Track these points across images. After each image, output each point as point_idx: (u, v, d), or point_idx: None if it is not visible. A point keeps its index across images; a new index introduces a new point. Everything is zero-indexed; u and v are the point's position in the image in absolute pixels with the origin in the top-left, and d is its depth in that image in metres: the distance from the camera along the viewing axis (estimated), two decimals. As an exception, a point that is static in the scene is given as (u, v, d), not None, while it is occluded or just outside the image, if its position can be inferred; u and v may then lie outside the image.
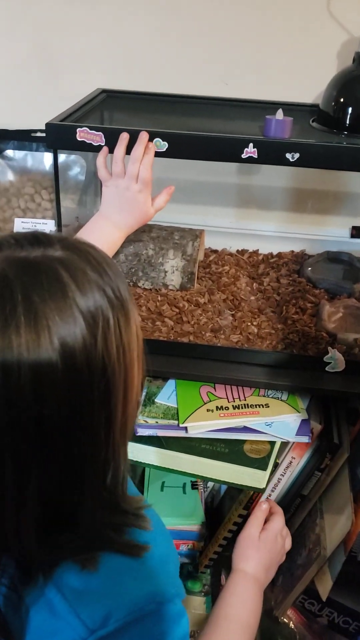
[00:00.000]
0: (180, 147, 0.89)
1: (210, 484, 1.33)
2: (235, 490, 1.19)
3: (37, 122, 1.20)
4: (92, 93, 1.14)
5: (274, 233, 1.28)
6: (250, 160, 0.88)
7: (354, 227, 1.27)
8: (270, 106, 1.11)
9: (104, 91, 1.16)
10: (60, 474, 0.51)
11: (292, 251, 1.28)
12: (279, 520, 0.93)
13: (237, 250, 1.29)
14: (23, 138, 1.27)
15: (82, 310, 0.49)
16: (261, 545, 0.89)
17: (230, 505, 1.22)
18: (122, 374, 0.52)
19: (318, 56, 1.13)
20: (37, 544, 0.53)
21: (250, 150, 0.88)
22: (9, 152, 1.27)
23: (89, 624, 0.53)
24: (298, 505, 1.16)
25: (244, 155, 0.88)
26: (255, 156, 0.88)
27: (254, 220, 1.28)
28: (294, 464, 1.12)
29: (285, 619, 1.19)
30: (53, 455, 0.50)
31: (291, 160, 0.88)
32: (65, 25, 1.17)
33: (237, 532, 1.17)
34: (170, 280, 1.13)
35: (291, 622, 1.20)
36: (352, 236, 1.27)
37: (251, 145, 0.87)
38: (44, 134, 1.19)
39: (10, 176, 1.28)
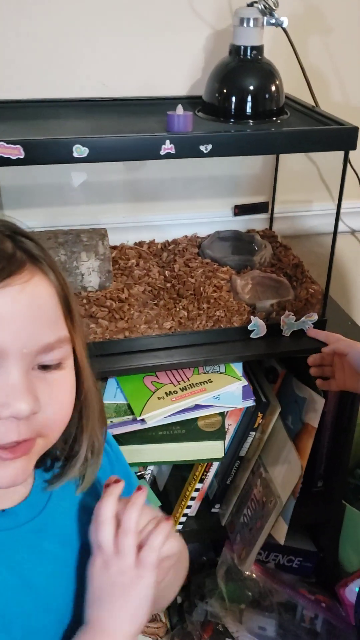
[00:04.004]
0: (101, 152, 0.91)
1: (149, 470, 1.38)
2: (184, 468, 1.25)
3: None
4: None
5: (166, 222, 1.34)
6: (168, 156, 0.93)
7: (236, 206, 1.37)
8: (155, 102, 1.17)
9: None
10: None
11: (186, 236, 1.36)
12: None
13: (135, 243, 1.33)
14: None
15: None
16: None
17: (177, 485, 1.27)
18: None
19: (186, 51, 1.20)
20: None
21: (168, 147, 0.93)
22: None
23: None
24: (238, 467, 1.26)
25: (162, 152, 0.93)
26: (173, 152, 0.93)
27: (145, 212, 1.33)
28: (230, 430, 1.21)
29: (249, 572, 1.29)
30: None
31: (205, 152, 0.95)
32: None
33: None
34: (89, 282, 1.14)
35: (253, 574, 1.30)
36: (236, 214, 1.38)
37: (168, 142, 0.92)
38: None
39: None
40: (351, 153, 1.02)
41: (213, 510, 1.31)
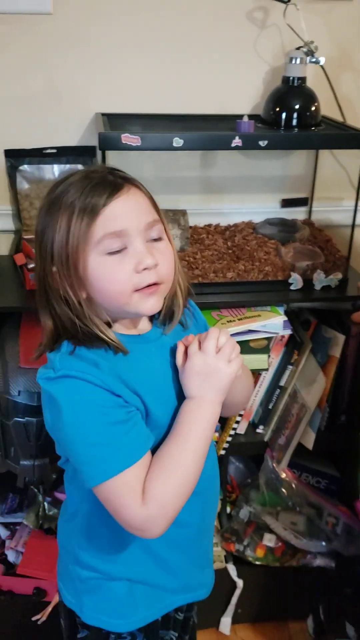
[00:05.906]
0: (192, 143, 1.34)
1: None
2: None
3: (45, 142, 1.60)
4: (97, 116, 1.56)
5: (229, 210, 1.77)
6: (237, 147, 1.36)
7: (282, 200, 1.79)
8: (226, 117, 1.61)
9: (103, 114, 1.59)
10: None
11: (243, 221, 1.78)
12: (207, 340, 0.96)
13: (205, 225, 1.76)
14: (35, 155, 1.64)
15: None
16: (187, 368, 0.97)
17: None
18: None
19: (251, 81, 1.65)
20: None
21: (237, 141, 1.36)
22: (25, 167, 1.65)
23: None
24: (278, 395, 1.64)
25: (232, 144, 1.36)
26: (240, 145, 1.36)
27: (213, 202, 1.76)
28: (273, 363, 1.60)
29: (284, 474, 1.65)
30: None
31: (262, 145, 1.37)
32: (66, 65, 1.58)
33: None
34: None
35: (287, 477, 1.66)
36: (282, 206, 1.80)
37: (237, 137, 1.36)
38: (53, 150, 1.60)
39: (26, 185, 1.66)
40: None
41: (257, 430, 1.68)
